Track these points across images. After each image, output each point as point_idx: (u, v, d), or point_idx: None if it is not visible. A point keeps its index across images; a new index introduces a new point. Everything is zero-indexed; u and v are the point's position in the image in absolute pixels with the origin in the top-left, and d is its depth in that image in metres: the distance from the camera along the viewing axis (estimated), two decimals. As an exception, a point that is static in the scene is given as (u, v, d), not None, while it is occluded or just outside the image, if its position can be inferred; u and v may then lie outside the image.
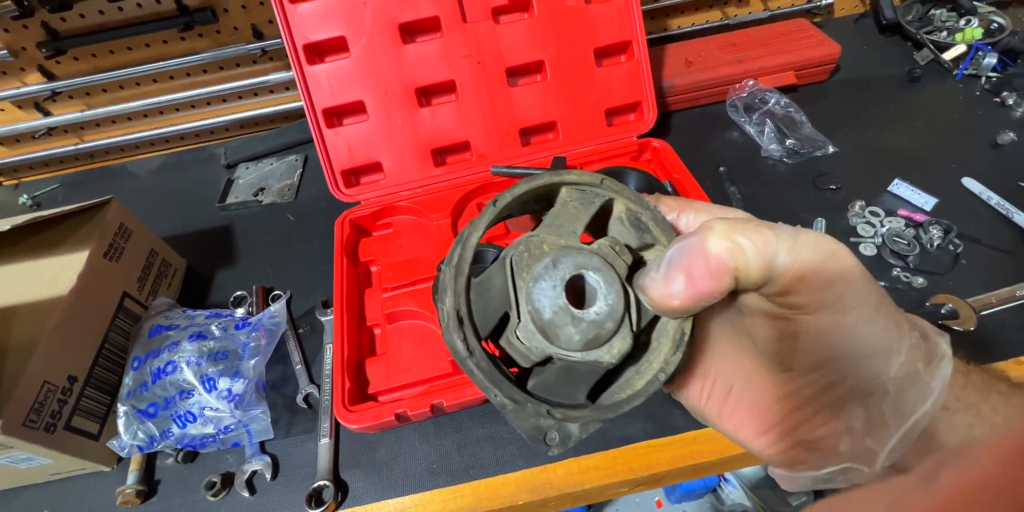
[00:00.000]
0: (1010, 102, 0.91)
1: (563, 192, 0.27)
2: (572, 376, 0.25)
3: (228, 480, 0.63)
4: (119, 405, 0.64)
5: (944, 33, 1.05)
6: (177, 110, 1.16)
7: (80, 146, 1.14)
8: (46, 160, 1.16)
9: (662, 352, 0.26)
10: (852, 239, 0.76)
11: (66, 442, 0.60)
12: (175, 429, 0.63)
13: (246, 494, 0.62)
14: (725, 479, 1.39)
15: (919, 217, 0.76)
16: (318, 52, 0.83)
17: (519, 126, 0.88)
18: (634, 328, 0.25)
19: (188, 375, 0.64)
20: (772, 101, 0.94)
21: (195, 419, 0.63)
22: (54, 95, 1.06)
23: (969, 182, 0.80)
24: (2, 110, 1.10)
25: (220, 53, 1.05)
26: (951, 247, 0.72)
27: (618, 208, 0.28)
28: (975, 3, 1.05)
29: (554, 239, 0.26)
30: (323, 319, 0.77)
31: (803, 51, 1.00)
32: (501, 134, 0.88)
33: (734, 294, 0.25)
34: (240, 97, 1.16)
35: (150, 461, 0.67)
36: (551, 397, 0.25)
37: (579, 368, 0.25)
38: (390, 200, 0.86)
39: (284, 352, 0.74)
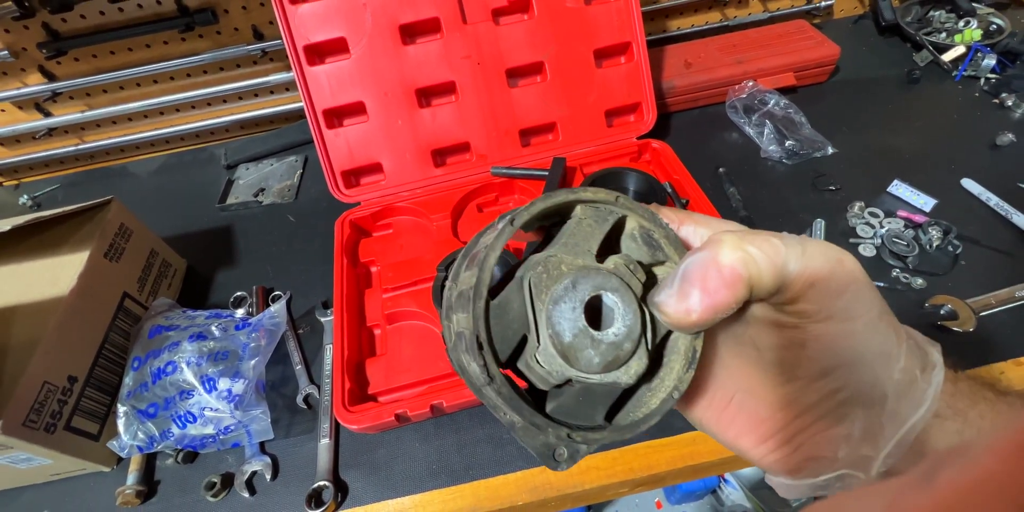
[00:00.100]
0: (1009, 103, 0.91)
1: (578, 210, 0.27)
2: (590, 398, 0.25)
3: (228, 480, 0.63)
4: (119, 405, 0.64)
5: (943, 34, 1.05)
6: (177, 111, 1.16)
7: (80, 147, 1.14)
8: (46, 161, 1.16)
9: (674, 369, 0.26)
10: (851, 240, 0.76)
11: (66, 442, 0.60)
12: (175, 429, 0.63)
13: (246, 494, 0.62)
14: (725, 480, 1.39)
15: (918, 218, 0.76)
16: (318, 53, 0.83)
17: (519, 127, 0.88)
18: (649, 347, 0.25)
19: (188, 375, 0.64)
20: (771, 102, 0.94)
21: (195, 419, 0.63)
22: (54, 96, 1.06)
23: (968, 183, 0.80)
24: (3, 111, 1.10)
25: (220, 54, 1.05)
26: (950, 248, 0.72)
27: (630, 225, 0.28)
28: (974, 5, 1.05)
29: (571, 259, 0.26)
30: (323, 319, 0.77)
31: (802, 52, 1.00)
32: (501, 135, 0.88)
33: (742, 306, 0.25)
34: (240, 98, 1.16)
35: (150, 461, 0.66)
36: (570, 419, 0.25)
37: (597, 390, 0.25)
38: (390, 201, 0.86)
39: (284, 352, 0.74)
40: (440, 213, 0.83)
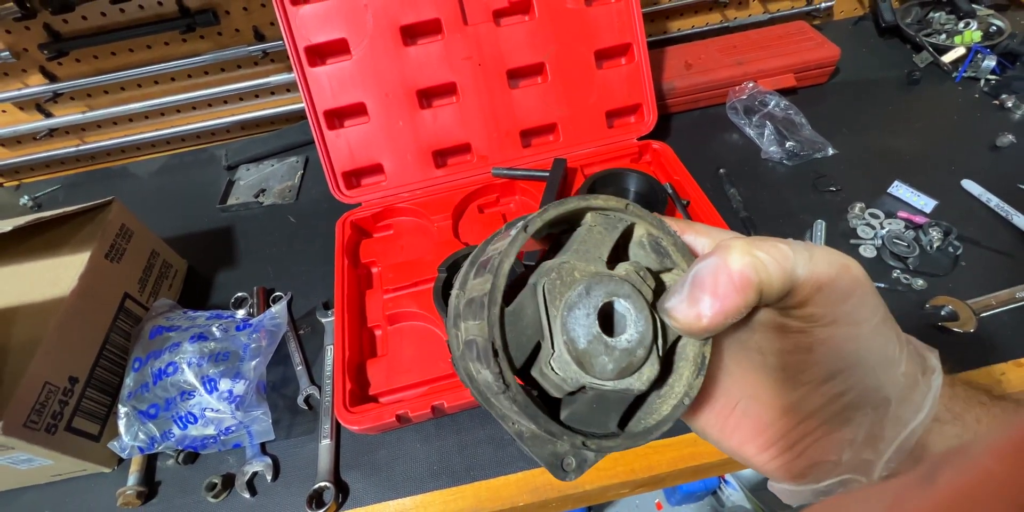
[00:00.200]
0: (1009, 104, 0.91)
1: (588, 217, 0.27)
2: (604, 405, 0.25)
3: (229, 481, 0.63)
4: (120, 406, 0.64)
5: (943, 36, 1.05)
6: (178, 111, 1.16)
7: (81, 147, 1.15)
8: (47, 161, 1.16)
9: (684, 376, 0.26)
10: (852, 241, 0.76)
11: (67, 443, 0.60)
12: (176, 430, 0.63)
13: (247, 495, 0.62)
14: (725, 481, 1.39)
15: (919, 219, 0.77)
16: (319, 54, 0.83)
17: (520, 128, 0.88)
18: (660, 354, 0.25)
19: (189, 376, 0.64)
20: (772, 103, 0.94)
21: (196, 420, 0.63)
22: (55, 96, 1.06)
23: (968, 184, 0.80)
24: (4, 111, 1.10)
25: (221, 55, 1.05)
26: (951, 249, 0.73)
27: (639, 232, 0.28)
28: (974, 6, 1.05)
29: (584, 266, 0.26)
30: (324, 320, 0.77)
31: (803, 53, 1.00)
32: (502, 136, 0.88)
33: (750, 311, 0.25)
34: (241, 99, 1.16)
35: (151, 462, 0.66)
36: (584, 427, 0.25)
37: (611, 397, 0.25)
38: (391, 201, 0.87)
39: (285, 353, 0.74)
40: (441, 214, 0.83)
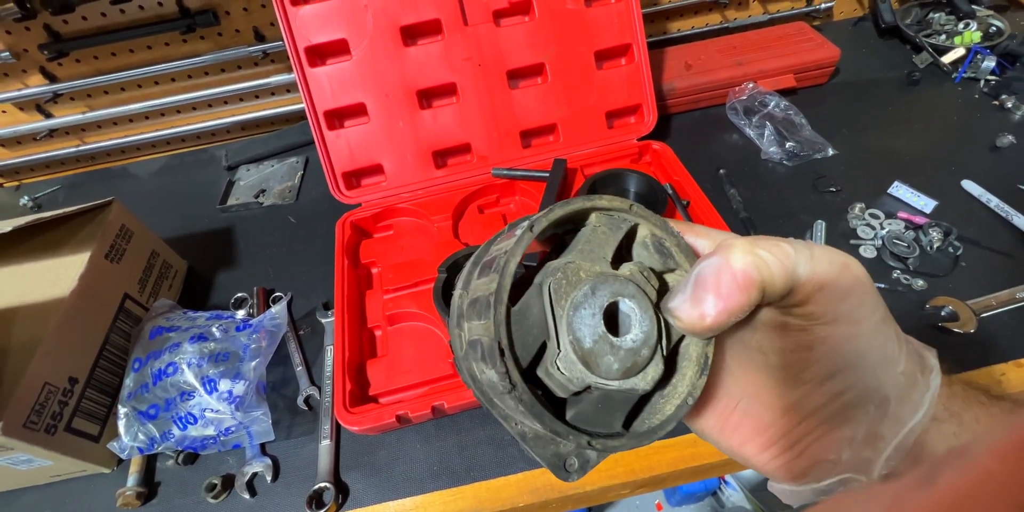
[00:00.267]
0: (1009, 105, 0.92)
1: (593, 217, 0.27)
2: (609, 405, 0.25)
3: (228, 482, 0.63)
4: (120, 407, 0.64)
5: (943, 36, 1.05)
6: (178, 112, 1.16)
7: (81, 148, 1.15)
8: (47, 162, 1.16)
9: (687, 376, 0.26)
10: (852, 241, 0.76)
11: (67, 444, 0.60)
12: (176, 431, 0.63)
13: (246, 496, 0.62)
14: (725, 481, 1.39)
15: (919, 219, 0.77)
16: (319, 54, 0.83)
17: (520, 128, 0.88)
18: (664, 354, 0.25)
19: (189, 377, 0.64)
20: (772, 104, 0.94)
21: (196, 421, 0.63)
22: (55, 97, 1.06)
23: (968, 185, 0.80)
24: (4, 112, 1.10)
25: (221, 55, 1.05)
26: (951, 249, 0.73)
27: (642, 233, 0.28)
28: (973, 7, 1.05)
29: (589, 266, 0.26)
30: (324, 321, 0.77)
31: (802, 54, 1.00)
32: (502, 136, 0.88)
33: (752, 311, 0.25)
34: (241, 99, 1.16)
35: (150, 463, 0.66)
36: (589, 427, 0.25)
37: (616, 396, 0.25)
38: (391, 202, 0.87)
39: (285, 354, 0.74)
40: (441, 214, 0.83)
